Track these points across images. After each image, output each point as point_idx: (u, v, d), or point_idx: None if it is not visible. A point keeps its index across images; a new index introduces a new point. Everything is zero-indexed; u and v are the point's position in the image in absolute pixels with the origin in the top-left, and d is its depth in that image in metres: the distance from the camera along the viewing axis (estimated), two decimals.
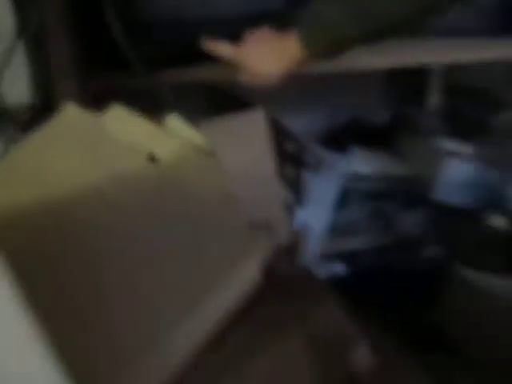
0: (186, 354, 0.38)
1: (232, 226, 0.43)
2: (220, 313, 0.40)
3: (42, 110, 0.60)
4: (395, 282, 1.05)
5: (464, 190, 0.96)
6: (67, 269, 0.42)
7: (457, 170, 0.94)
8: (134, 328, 0.36)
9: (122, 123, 0.52)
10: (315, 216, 0.94)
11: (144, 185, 0.47)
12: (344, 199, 1.05)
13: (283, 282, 0.53)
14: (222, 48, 0.72)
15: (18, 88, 0.58)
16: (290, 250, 0.61)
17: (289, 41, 0.64)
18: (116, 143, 0.51)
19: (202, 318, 0.38)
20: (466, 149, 1.01)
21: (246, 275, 0.42)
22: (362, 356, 0.42)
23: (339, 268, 1.05)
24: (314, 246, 0.95)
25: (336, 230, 1.00)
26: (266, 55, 0.66)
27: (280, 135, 0.98)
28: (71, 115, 0.55)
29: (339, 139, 1.18)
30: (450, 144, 1.00)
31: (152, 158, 0.49)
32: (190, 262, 0.41)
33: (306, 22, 0.64)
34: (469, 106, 1.19)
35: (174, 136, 0.50)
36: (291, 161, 1.04)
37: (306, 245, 0.95)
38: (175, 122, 0.51)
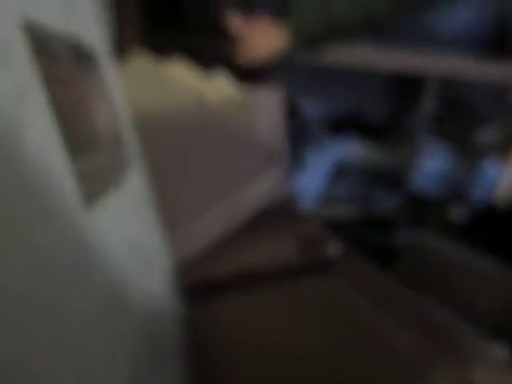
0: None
1: (254, 153, 0.61)
2: (240, 211, 0.58)
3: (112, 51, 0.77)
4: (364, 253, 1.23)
5: (434, 182, 1.14)
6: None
7: (430, 166, 1.11)
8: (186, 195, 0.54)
9: (181, 72, 0.69)
10: (309, 183, 1.11)
11: (191, 121, 0.64)
12: (335, 175, 1.23)
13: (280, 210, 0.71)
14: (234, 20, 0.88)
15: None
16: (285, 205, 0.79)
17: (277, 29, 0.79)
18: (174, 86, 0.68)
19: (226, 208, 0.56)
20: (442, 149, 1.19)
21: (259, 189, 0.60)
22: (333, 248, 0.60)
23: None
24: (304, 207, 1.12)
25: (324, 199, 1.18)
26: (259, 38, 0.82)
27: (292, 111, 1.15)
28: (139, 59, 0.72)
29: (339, 127, 1.36)
30: (428, 144, 1.18)
31: (201, 101, 0.66)
32: (220, 171, 0.58)
33: (294, 13, 0.78)
34: (454, 116, 1.37)
35: (220, 88, 0.67)
36: (296, 135, 1.22)
37: (298, 205, 1.13)
38: (220, 77, 0.68)
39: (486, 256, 1.00)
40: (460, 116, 1.37)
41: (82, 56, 0.28)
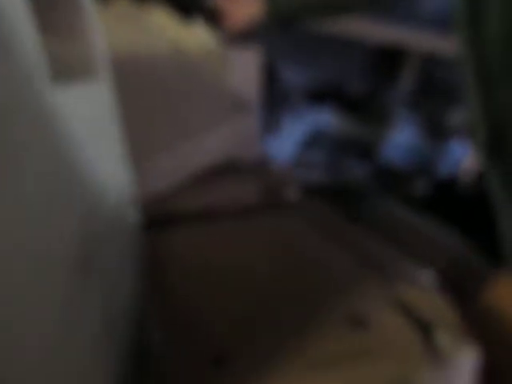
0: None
1: (223, 100, 0.63)
2: (205, 152, 0.61)
3: None
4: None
5: (404, 155, 1.18)
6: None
7: (401, 140, 1.16)
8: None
9: (161, 18, 0.71)
10: (282, 147, 1.15)
11: (167, 64, 0.66)
12: (309, 143, 1.26)
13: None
14: None
15: None
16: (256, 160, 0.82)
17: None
18: (153, 30, 0.70)
19: (194, 147, 0.59)
20: (414, 123, 1.24)
21: (224, 134, 0.63)
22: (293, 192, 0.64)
23: None
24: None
25: (295, 163, 1.22)
26: (240, 7, 0.84)
27: (269, 78, 1.18)
28: (123, 4, 0.73)
29: (318, 96, 1.38)
30: (402, 118, 1.22)
31: (177, 47, 0.68)
32: (186, 113, 0.61)
33: None
34: (430, 95, 1.41)
35: (198, 37, 0.69)
36: (273, 102, 1.24)
37: (270, 166, 1.17)
38: (201, 28, 0.70)
39: (444, 227, 1.05)
40: (435, 93, 1.41)
41: None
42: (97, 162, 0.30)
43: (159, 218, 0.55)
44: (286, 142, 1.17)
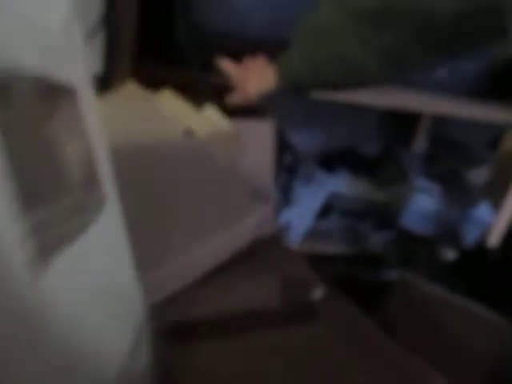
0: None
1: (241, 189, 0.59)
2: (223, 249, 0.56)
3: (103, 80, 0.76)
4: (354, 290, 1.21)
5: (426, 221, 1.12)
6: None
7: (422, 205, 1.10)
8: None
9: (169, 103, 0.68)
10: (298, 218, 1.10)
11: (178, 152, 0.63)
12: (325, 211, 1.21)
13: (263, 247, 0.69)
14: (226, 64, 0.88)
15: (92, 59, 0.74)
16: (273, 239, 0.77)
17: (271, 69, 0.77)
18: (161, 117, 0.67)
19: (209, 246, 0.54)
20: (434, 189, 1.19)
21: (244, 228, 0.58)
22: (318, 293, 0.58)
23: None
24: (292, 242, 1.10)
25: (314, 234, 1.16)
26: (253, 79, 0.80)
27: (282, 145, 1.14)
28: (130, 89, 0.71)
29: (331, 161, 1.35)
30: (421, 181, 1.17)
31: (189, 132, 0.65)
32: (204, 208, 0.56)
33: (281, 59, 0.75)
34: (447, 155, 1.37)
35: (209, 120, 0.66)
36: (286, 169, 1.21)
37: (285, 239, 1.11)
38: (210, 110, 0.67)
39: (470, 297, 0.98)
40: (452, 155, 1.37)
41: (52, 92, 0.26)
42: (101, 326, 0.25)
43: (175, 326, 0.49)
44: (301, 212, 1.12)
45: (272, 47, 0.96)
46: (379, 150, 1.48)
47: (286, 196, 1.14)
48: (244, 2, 0.93)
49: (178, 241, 0.53)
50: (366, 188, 1.24)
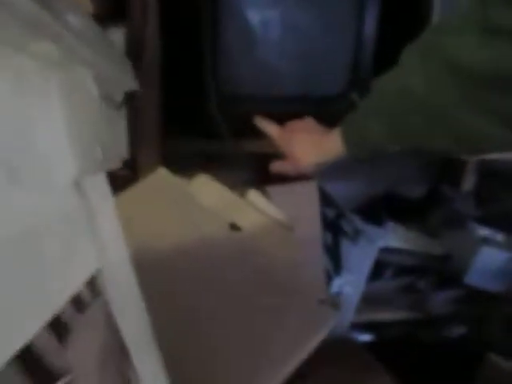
0: None
1: (301, 299, 0.48)
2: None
3: (130, 168, 0.68)
4: (419, 357, 1.08)
5: (495, 277, 0.99)
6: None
7: (489, 258, 0.98)
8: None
9: (207, 191, 0.59)
10: (350, 284, 0.98)
11: (225, 250, 0.53)
12: (378, 271, 1.09)
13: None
14: (269, 128, 0.79)
15: (116, 149, 0.65)
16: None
17: (330, 139, 0.68)
18: (201, 209, 0.57)
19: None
20: (499, 236, 1.06)
21: (310, 347, 0.47)
22: None
23: (367, 337, 1.08)
24: (346, 313, 0.98)
25: (368, 300, 1.04)
26: (305, 146, 0.71)
27: (322, 201, 1.04)
28: (161, 178, 0.62)
29: (375, 210, 1.23)
30: (483, 230, 1.05)
31: (234, 227, 0.55)
32: (265, 329, 0.46)
33: (351, 127, 0.65)
34: (503, 193, 1.24)
35: (255, 208, 0.56)
36: (330, 227, 1.10)
37: (339, 311, 1.00)
38: (255, 196, 0.58)
39: None
40: (509, 192, 1.24)
41: None
42: None
43: None
44: (353, 275, 1.00)
45: (305, 106, 0.87)
46: (426, 192, 1.36)
47: (333, 259, 1.02)
48: (273, 61, 0.84)
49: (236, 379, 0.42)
50: (421, 239, 1.12)
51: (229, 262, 0.52)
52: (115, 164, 0.29)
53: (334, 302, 0.49)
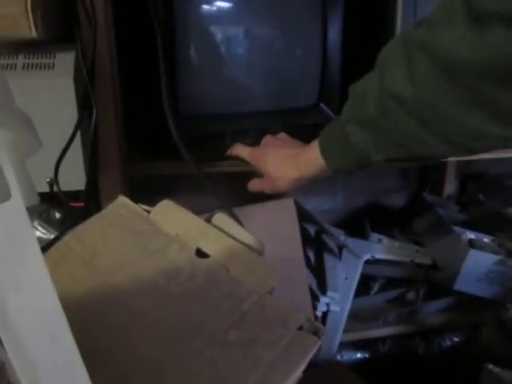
0: None
1: (276, 329, 0.44)
2: None
3: (89, 197, 0.63)
4: (416, 370, 1.04)
5: (485, 280, 0.96)
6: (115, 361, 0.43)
7: (477, 262, 0.95)
8: None
9: (171, 217, 0.55)
10: (337, 303, 0.94)
11: (192, 281, 0.49)
12: (365, 285, 1.06)
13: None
14: (239, 150, 0.75)
15: (74, 176, 0.61)
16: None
17: (309, 151, 0.63)
18: (165, 237, 0.53)
19: None
20: (485, 239, 1.03)
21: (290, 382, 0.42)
22: None
23: (359, 354, 1.04)
24: (334, 333, 0.94)
25: (357, 317, 1.00)
26: (280, 162, 0.67)
27: (302, 218, 1.01)
28: (122, 207, 0.57)
29: (358, 223, 1.20)
30: (469, 234, 1.02)
31: (201, 254, 0.51)
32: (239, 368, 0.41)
33: (330, 136, 0.60)
34: (485, 195, 1.22)
35: (222, 233, 0.52)
36: (312, 244, 1.06)
37: (327, 330, 0.95)
38: (223, 219, 0.54)
39: None
40: (490, 194, 1.22)
41: None
42: None
43: None
44: (339, 294, 0.96)
45: (275, 120, 0.84)
46: (408, 200, 1.34)
47: (318, 277, 0.98)
48: (238, 77, 0.81)
49: None
50: (406, 249, 1.09)
51: (194, 293, 0.48)
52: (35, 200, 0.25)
53: (316, 328, 0.44)
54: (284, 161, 0.67)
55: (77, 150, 0.61)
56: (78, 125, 0.60)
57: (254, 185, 0.75)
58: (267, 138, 0.74)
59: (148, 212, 0.56)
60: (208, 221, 0.54)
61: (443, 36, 0.41)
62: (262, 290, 0.47)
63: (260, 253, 0.49)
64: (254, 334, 0.41)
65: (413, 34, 0.46)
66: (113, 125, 0.66)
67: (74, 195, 0.62)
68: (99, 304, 0.49)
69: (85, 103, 0.61)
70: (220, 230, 0.52)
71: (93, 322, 0.46)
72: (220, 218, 0.53)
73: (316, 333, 0.45)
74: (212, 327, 0.43)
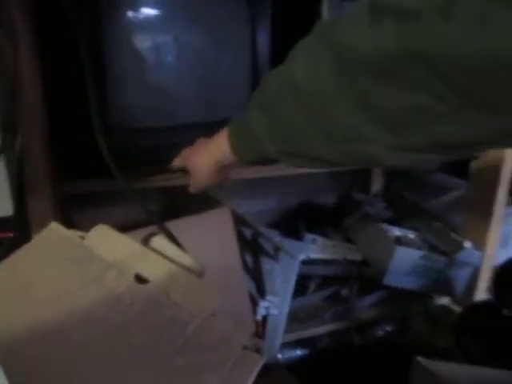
0: None
1: (220, 352, 0.45)
2: None
3: (19, 223, 0.61)
4: (352, 362, 1.09)
5: (412, 274, 1.03)
6: None
7: (404, 257, 1.00)
8: None
9: (107, 242, 0.54)
10: (275, 306, 0.96)
11: (133, 305, 0.48)
12: (302, 285, 1.09)
13: None
14: (176, 161, 0.73)
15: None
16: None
17: (219, 135, 0.61)
18: (101, 263, 0.52)
19: None
20: (411, 235, 1.10)
21: None
22: None
23: (299, 351, 1.07)
24: (275, 335, 0.96)
25: (296, 317, 1.03)
26: (199, 154, 0.66)
27: (238, 222, 1.02)
28: (55, 233, 0.56)
29: (292, 223, 1.24)
30: (395, 231, 1.08)
31: (139, 279, 0.50)
32: None
33: (235, 124, 0.57)
34: (408, 192, 1.29)
35: (160, 256, 0.52)
36: (249, 248, 1.08)
37: (267, 333, 0.97)
38: (160, 242, 0.53)
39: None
40: (414, 190, 1.30)
41: None
42: None
43: None
44: (277, 296, 0.99)
45: (208, 131, 0.83)
46: (339, 200, 1.39)
47: (256, 282, 1.00)
48: (169, 88, 0.80)
49: None
50: (339, 247, 1.14)
51: (136, 321, 0.48)
52: None
53: (258, 346, 0.46)
54: (203, 151, 0.65)
55: (1, 176, 0.58)
56: (3, 149, 0.57)
57: (189, 189, 0.73)
58: (200, 139, 0.72)
59: (83, 238, 0.55)
60: (145, 243, 0.53)
61: (346, 25, 0.40)
62: (204, 312, 0.48)
63: (200, 274, 0.50)
64: (200, 359, 0.42)
65: (324, 23, 0.46)
66: (40, 146, 0.64)
67: (1, 223, 0.59)
68: (36, 340, 0.47)
69: (8, 125, 0.58)
70: (159, 253, 0.52)
71: (30, 357, 0.45)
72: (158, 241, 0.53)
73: (258, 350, 0.46)
74: (158, 356, 0.43)
